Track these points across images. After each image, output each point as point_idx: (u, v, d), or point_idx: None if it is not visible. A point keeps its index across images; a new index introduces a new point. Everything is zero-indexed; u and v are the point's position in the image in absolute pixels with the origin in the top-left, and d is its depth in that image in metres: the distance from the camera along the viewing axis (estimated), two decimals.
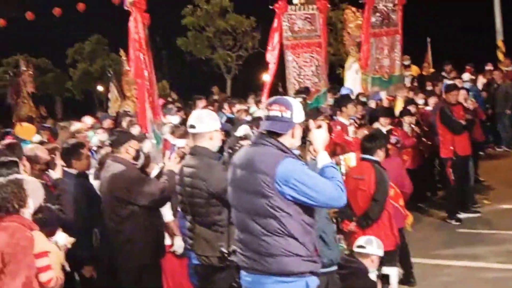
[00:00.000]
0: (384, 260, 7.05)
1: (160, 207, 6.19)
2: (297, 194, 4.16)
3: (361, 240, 6.49)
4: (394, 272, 7.20)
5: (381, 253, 6.43)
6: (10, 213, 4.71)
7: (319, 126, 4.48)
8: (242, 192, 4.36)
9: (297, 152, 4.67)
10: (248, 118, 11.12)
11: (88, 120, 13.48)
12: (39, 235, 4.91)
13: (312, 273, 4.31)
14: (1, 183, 4.78)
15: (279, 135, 4.33)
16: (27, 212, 4.85)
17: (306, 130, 4.50)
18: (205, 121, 5.45)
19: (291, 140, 4.38)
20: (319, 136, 4.45)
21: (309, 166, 4.35)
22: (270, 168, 4.20)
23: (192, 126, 5.47)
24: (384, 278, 6.52)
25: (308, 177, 4.18)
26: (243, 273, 4.44)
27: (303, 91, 6.13)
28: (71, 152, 6.71)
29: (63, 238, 5.21)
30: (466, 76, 16.43)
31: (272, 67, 10.43)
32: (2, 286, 4.56)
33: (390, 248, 6.99)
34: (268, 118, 4.35)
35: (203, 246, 5.34)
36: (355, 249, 6.45)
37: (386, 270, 7.10)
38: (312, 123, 4.52)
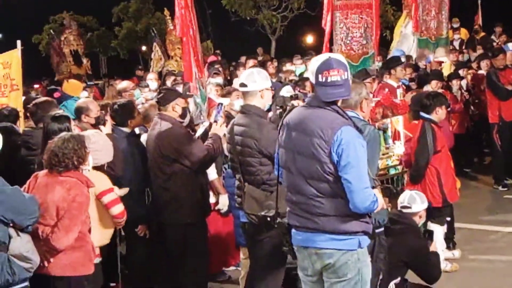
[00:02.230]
0: (431, 216, 7.19)
1: (202, 169, 6.17)
2: (339, 164, 4.14)
3: (404, 198, 6.45)
4: (439, 230, 7.23)
5: (425, 206, 6.42)
6: (69, 169, 4.77)
7: None
8: (297, 154, 4.32)
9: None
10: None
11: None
12: (101, 176, 5.02)
13: (364, 232, 4.31)
14: (63, 138, 4.83)
15: None
16: (86, 169, 4.92)
17: None
18: (256, 79, 5.43)
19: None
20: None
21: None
22: (327, 134, 4.15)
23: (243, 85, 5.46)
24: (428, 234, 6.50)
25: (357, 157, 4.14)
26: (294, 231, 4.45)
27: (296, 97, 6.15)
28: (127, 111, 6.70)
29: (116, 190, 5.34)
30: None
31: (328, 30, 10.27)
32: (54, 239, 4.65)
33: (437, 205, 7.18)
34: (326, 84, 4.22)
35: (251, 204, 5.36)
36: (403, 210, 6.42)
37: (431, 226, 7.17)
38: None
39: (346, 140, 4.13)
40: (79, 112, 6.59)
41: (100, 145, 5.34)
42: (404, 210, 6.38)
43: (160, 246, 6.40)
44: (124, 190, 5.52)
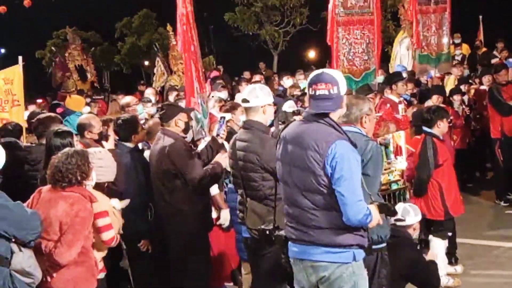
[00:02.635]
0: (432, 230, 7.33)
1: (197, 191, 6.14)
2: (333, 177, 4.20)
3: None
4: (440, 244, 7.25)
5: (419, 218, 6.42)
6: (73, 184, 4.79)
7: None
8: (293, 167, 4.39)
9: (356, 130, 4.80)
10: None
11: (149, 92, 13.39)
12: (100, 196, 5.02)
13: (359, 245, 4.35)
14: (67, 153, 4.84)
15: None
16: (89, 184, 4.94)
17: None
18: (259, 95, 5.47)
19: (339, 111, 4.45)
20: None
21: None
22: (321, 147, 4.23)
23: (246, 100, 5.50)
24: (424, 244, 6.51)
25: (350, 170, 4.20)
26: (290, 244, 4.51)
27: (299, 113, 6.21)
28: (130, 126, 6.75)
29: (117, 203, 5.34)
30: None
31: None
32: (57, 254, 4.65)
33: (439, 218, 7.29)
34: (315, 97, 4.35)
35: (254, 219, 5.38)
36: (396, 223, 6.42)
37: (433, 240, 7.26)
38: None
39: (340, 153, 4.19)
40: (82, 128, 6.64)
41: (104, 163, 5.35)
42: (398, 223, 6.38)
43: (163, 262, 6.40)
44: (125, 202, 5.52)
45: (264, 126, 5.51)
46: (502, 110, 10.46)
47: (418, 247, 6.39)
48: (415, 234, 6.42)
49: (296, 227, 4.42)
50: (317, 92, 4.34)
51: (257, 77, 12.79)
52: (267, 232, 4.94)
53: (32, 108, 12.66)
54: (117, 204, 5.33)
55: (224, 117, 6.37)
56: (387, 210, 4.67)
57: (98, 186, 5.21)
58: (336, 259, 4.31)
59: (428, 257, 6.17)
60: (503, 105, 10.43)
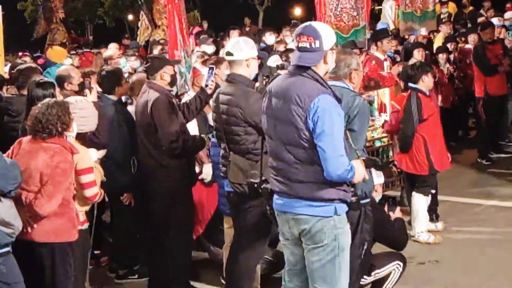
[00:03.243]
0: (415, 185, 7.37)
1: (168, 151, 6.02)
2: (314, 131, 4.18)
3: None
4: (422, 200, 7.36)
5: (381, 180, 6.36)
6: (53, 135, 4.73)
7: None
8: (276, 121, 4.39)
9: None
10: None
11: (112, 48, 13.31)
12: (84, 151, 4.98)
13: (341, 200, 4.36)
14: (47, 104, 4.77)
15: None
16: (70, 135, 4.88)
17: None
18: (243, 48, 5.40)
19: (324, 66, 4.40)
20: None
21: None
22: (304, 101, 4.21)
23: (229, 53, 5.43)
24: (392, 201, 6.53)
25: (332, 125, 4.17)
26: (275, 196, 4.53)
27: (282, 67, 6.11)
28: (114, 78, 6.70)
29: (94, 153, 5.29)
30: (509, 14, 16.02)
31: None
32: (38, 205, 4.62)
33: (422, 173, 7.36)
34: (298, 49, 4.35)
35: (236, 173, 5.36)
36: None
37: (415, 195, 7.34)
38: None
39: (322, 108, 4.17)
40: (61, 80, 6.51)
41: (86, 112, 5.27)
42: None
43: (145, 216, 6.40)
44: (102, 152, 5.46)
45: (248, 80, 5.46)
46: (484, 70, 10.47)
47: (386, 206, 6.39)
48: (377, 196, 6.41)
49: (280, 180, 4.43)
50: (300, 44, 4.33)
51: (235, 33, 12.56)
52: (255, 185, 4.91)
53: None
54: (94, 155, 5.27)
55: (213, 68, 6.29)
56: (373, 164, 4.67)
57: (80, 137, 5.14)
58: (317, 212, 4.33)
59: (395, 214, 6.16)
60: (485, 65, 10.44)
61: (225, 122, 5.40)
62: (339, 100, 4.34)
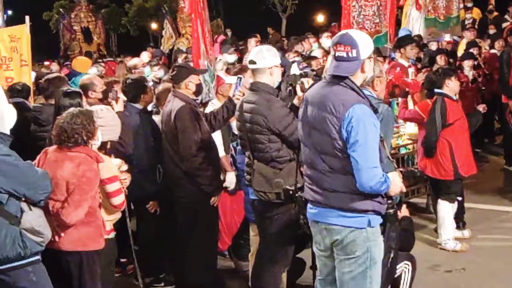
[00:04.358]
0: (440, 191, 7.35)
1: (183, 160, 6.05)
2: (348, 141, 4.14)
3: None
4: (448, 207, 7.31)
5: None
6: (78, 144, 4.78)
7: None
8: (311, 129, 4.36)
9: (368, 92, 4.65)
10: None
11: (145, 55, 13.56)
12: (109, 161, 5.02)
13: (375, 212, 4.30)
14: (72, 113, 4.82)
15: None
16: (95, 144, 4.93)
17: None
18: (266, 57, 5.42)
19: (362, 75, 4.36)
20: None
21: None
22: (339, 110, 4.17)
23: (252, 62, 5.44)
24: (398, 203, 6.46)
25: (366, 136, 4.11)
26: (309, 205, 4.51)
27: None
28: (139, 87, 6.75)
29: (118, 162, 5.32)
30: None
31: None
32: (64, 214, 4.67)
33: (448, 178, 7.29)
34: (335, 58, 4.29)
35: (260, 181, 5.37)
36: None
37: (440, 203, 7.27)
38: None
39: (357, 117, 4.11)
40: (85, 88, 6.58)
41: (105, 121, 5.28)
42: None
43: (170, 224, 6.43)
44: (119, 163, 5.43)
45: (271, 88, 5.46)
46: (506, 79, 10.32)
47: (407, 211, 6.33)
48: None
49: (313, 188, 4.41)
50: (337, 54, 4.27)
51: (252, 42, 12.43)
52: (291, 192, 4.89)
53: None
54: (118, 164, 5.30)
55: (240, 77, 6.31)
56: (412, 175, 4.60)
57: (101, 146, 5.14)
58: (350, 223, 4.28)
59: (402, 214, 6.10)
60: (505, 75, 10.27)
61: (249, 131, 5.42)
62: (375, 111, 4.29)
